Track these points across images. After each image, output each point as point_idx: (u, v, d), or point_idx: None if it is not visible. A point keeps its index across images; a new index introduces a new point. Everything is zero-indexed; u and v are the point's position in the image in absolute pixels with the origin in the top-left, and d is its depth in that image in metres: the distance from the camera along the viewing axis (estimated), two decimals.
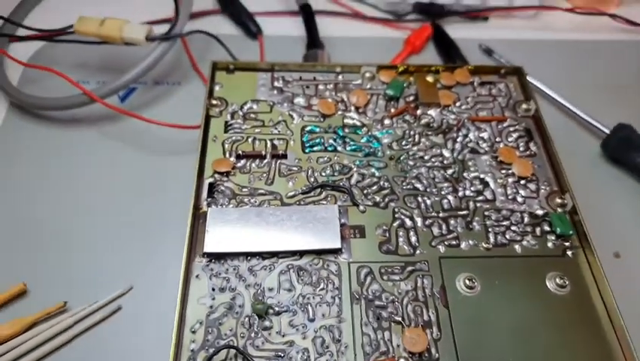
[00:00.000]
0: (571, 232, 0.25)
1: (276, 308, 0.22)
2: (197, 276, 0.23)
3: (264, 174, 0.26)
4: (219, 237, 0.24)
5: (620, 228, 0.31)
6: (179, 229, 0.24)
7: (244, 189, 0.26)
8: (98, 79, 0.36)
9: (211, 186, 0.26)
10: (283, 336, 0.21)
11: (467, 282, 0.23)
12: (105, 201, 0.30)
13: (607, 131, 0.34)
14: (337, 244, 0.24)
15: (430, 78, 0.31)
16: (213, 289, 0.22)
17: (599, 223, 0.28)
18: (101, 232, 0.29)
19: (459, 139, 0.28)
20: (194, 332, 0.21)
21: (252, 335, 0.21)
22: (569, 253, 0.24)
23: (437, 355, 0.21)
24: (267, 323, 0.22)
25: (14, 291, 0.26)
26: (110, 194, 0.31)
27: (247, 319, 0.22)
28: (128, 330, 0.26)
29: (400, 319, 0.22)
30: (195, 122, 0.29)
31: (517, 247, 0.24)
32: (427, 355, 0.21)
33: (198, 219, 0.24)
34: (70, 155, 0.32)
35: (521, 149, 0.28)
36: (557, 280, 0.23)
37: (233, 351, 0.21)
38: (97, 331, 0.26)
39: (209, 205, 0.25)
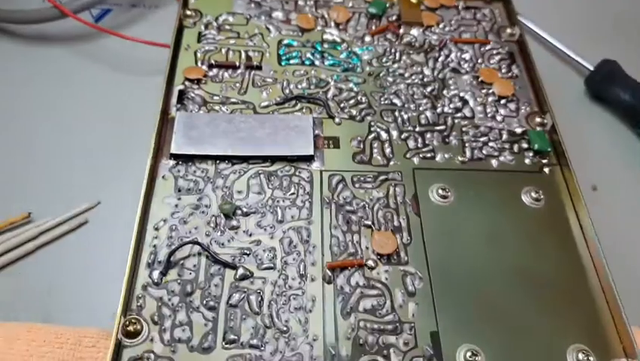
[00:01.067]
0: (549, 149, 0.24)
1: (244, 209, 0.21)
2: (163, 177, 0.22)
3: (237, 84, 0.25)
4: (187, 139, 0.23)
5: (600, 163, 0.30)
6: (149, 145, 0.23)
7: (215, 97, 0.25)
8: None
9: (181, 93, 0.25)
10: (250, 235, 0.21)
11: (440, 192, 0.22)
12: (75, 118, 0.29)
13: (591, 67, 0.33)
14: (310, 151, 0.23)
15: None
16: (179, 190, 0.22)
17: (578, 158, 0.28)
18: (70, 148, 0.28)
19: (440, 59, 0.28)
20: (157, 229, 0.21)
21: (218, 234, 0.21)
22: (546, 169, 0.24)
23: (406, 258, 0.21)
24: (234, 223, 0.21)
25: None
26: (80, 111, 0.29)
27: (213, 218, 0.21)
28: (93, 243, 0.25)
29: (369, 223, 0.21)
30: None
31: (493, 161, 0.24)
32: (395, 258, 0.21)
33: (166, 124, 0.23)
34: (38, 71, 0.31)
35: (503, 71, 0.27)
36: (533, 193, 0.23)
37: (197, 249, 0.20)
38: (62, 243, 0.25)
39: (178, 111, 0.24)
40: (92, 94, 0.30)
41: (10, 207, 0.26)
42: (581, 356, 0.19)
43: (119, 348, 0.18)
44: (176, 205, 0.21)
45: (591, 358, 0.19)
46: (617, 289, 0.20)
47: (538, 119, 0.25)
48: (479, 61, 0.28)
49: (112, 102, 0.30)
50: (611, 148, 0.31)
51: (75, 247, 0.25)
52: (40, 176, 0.27)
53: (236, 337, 0.18)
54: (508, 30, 0.29)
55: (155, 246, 0.20)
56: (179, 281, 0.19)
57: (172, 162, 0.22)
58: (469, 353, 0.18)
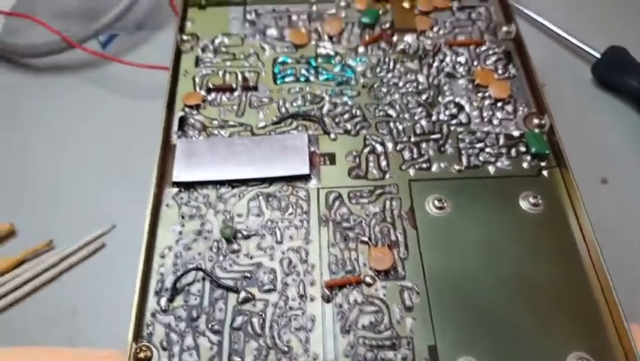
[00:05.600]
0: (547, 151, 0.24)
1: (245, 232, 0.22)
2: (167, 205, 0.23)
3: (234, 107, 0.26)
4: (188, 167, 0.24)
5: (609, 154, 0.30)
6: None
7: (214, 122, 0.26)
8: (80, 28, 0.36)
9: (182, 119, 0.26)
10: (251, 258, 0.22)
11: (436, 203, 0.23)
12: (87, 145, 0.31)
13: (597, 55, 0.32)
14: (306, 171, 0.23)
15: (406, 4, 0.29)
16: (183, 217, 0.23)
17: (587, 150, 0.27)
18: (85, 174, 0.30)
19: (435, 64, 0.27)
20: (163, 257, 0.22)
21: (220, 258, 0.22)
22: (545, 172, 0.24)
23: (403, 273, 0.21)
24: (234, 247, 0.22)
25: (1, 231, 0.27)
26: (91, 138, 0.31)
27: (215, 243, 0.22)
28: (111, 266, 0.27)
29: (366, 239, 0.22)
30: None
31: (490, 168, 0.24)
32: (393, 273, 0.21)
33: (168, 152, 0.24)
34: (51, 101, 0.33)
35: (500, 72, 0.27)
36: (531, 199, 0.23)
37: (201, 274, 0.21)
38: (82, 267, 0.27)
39: (179, 138, 0.25)
40: (101, 120, 0.32)
41: (32, 234, 0.27)
42: None
43: None
44: (180, 232, 0.22)
45: None
46: (617, 294, 0.20)
47: (536, 121, 0.25)
48: (474, 63, 0.28)
49: (120, 128, 0.31)
50: (621, 137, 0.31)
51: (94, 271, 0.27)
52: (58, 204, 0.29)
53: (240, 359, 0.19)
54: (504, 28, 0.29)
55: (162, 273, 0.21)
56: (185, 307, 0.20)
57: (175, 190, 0.23)
58: None
